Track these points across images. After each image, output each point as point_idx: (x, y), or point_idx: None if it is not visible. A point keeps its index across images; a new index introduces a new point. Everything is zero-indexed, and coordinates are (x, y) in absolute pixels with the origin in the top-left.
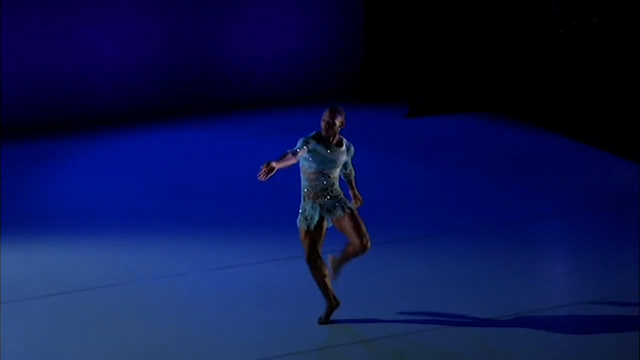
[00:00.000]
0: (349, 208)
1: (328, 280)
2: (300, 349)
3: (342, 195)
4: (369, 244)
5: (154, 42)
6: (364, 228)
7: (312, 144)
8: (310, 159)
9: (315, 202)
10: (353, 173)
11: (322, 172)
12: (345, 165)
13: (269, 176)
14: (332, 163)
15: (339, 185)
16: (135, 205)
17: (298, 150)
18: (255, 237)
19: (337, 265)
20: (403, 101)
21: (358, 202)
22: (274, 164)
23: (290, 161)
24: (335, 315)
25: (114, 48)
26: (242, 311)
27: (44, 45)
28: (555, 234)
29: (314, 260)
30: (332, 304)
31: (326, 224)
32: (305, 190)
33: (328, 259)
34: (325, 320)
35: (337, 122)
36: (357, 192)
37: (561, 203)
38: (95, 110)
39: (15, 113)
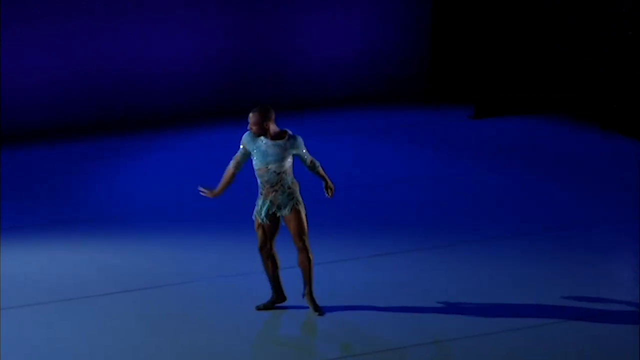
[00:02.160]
0: (297, 209)
1: (277, 275)
2: (373, 349)
3: (295, 195)
4: (307, 242)
5: (216, 39)
6: (306, 230)
7: (247, 142)
8: (254, 156)
9: (266, 198)
10: (317, 163)
11: (267, 168)
12: (301, 159)
13: (209, 195)
14: (273, 157)
15: (293, 182)
16: (198, 205)
17: (232, 162)
18: (321, 238)
19: (309, 294)
20: (469, 102)
21: (329, 192)
22: (209, 192)
23: (230, 175)
24: (406, 315)
25: (175, 46)
26: (310, 311)
27: (101, 44)
28: (618, 240)
29: (265, 251)
30: (277, 297)
31: (280, 220)
32: (260, 187)
33: (306, 301)
34: (263, 307)
35: (259, 123)
36: (329, 183)
37: (626, 210)
38: (157, 108)
39: (72, 111)
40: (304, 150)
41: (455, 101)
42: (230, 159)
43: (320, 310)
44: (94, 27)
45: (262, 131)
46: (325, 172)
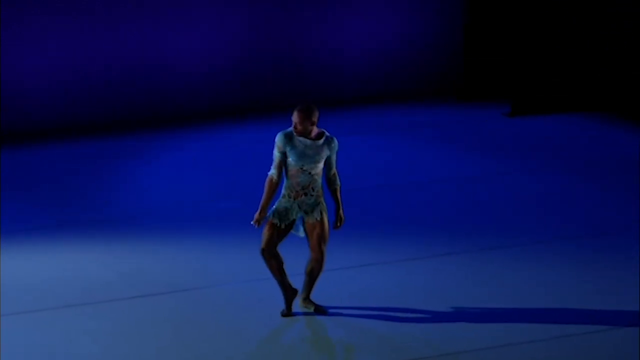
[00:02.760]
0: (323, 215)
1: (283, 270)
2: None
3: (322, 199)
4: (324, 250)
5: (239, 36)
6: (327, 238)
7: (285, 142)
8: (289, 155)
9: (294, 201)
10: (338, 182)
11: (302, 169)
12: (328, 164)
13: (262, 222)
14: (312, 158)
15: (321, 186)
16: (221, 205)
17: (275, 171)
18: (348, 240)
19: (307, 298)
20: (506, 99)
21: (339, 223)
22: (257, 216)
23: (272, 188)
24: (437, 323)
25: (196, 43)
26: (338, 316)
27: (103, 42)
28: None
29: (268, 252)
30: (289, 293)
31: (296, 230)
32: (287, 188)
33: (299, 305)
34: (288, 312)
35: (306, 122)
36: (341, 211)
37: None
38: (177, 106)
39: (91, 111)
40: (334, 157)
41: (489, 98)
42: (248, 159)
43: (324, 309)
44: (98, 25)
45: (306, 131)
46: (341, 198)
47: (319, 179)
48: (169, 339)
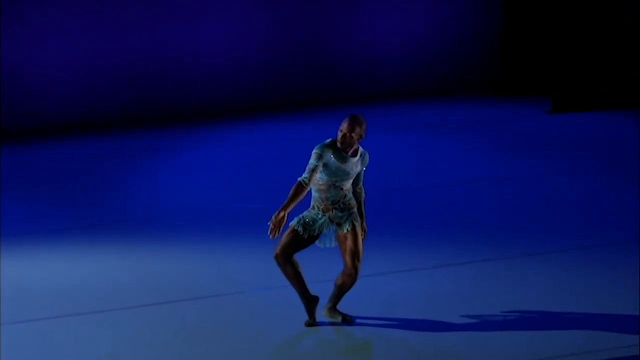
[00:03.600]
0: (355, 225)
1: (301, 277)
2: None
3: (354, 209)
4: (359, 266)
5: (263, 30)
6: (361, 251)
7: (327, 156)
8: (322, 170)
9: (324, 214)
10: (363, 195)
11: (334, 184)
12: (357, 178)
13: (282, 227)
14: (346, 175)
15: (352, 198)
16: (244, 207)
17: (308, 176)
18: (378, 246)
19: (334, 308)
20: (546, 95)
21: (362, 235)
22: (282, 212)
23: (301, 195)
24: (470, 334)
25: (219, 39)
26: (365, 326)
27: (136, 38)
28: None
29: (283, 257)
30: (309, 301)
31: (322, 243)
32: (315, 200)
33: (324, 315)
34: (312, 321)
35: (355, 134)
36: (364, 223)
37: None
38: (198, 103)
39: (105, 106)
40: (364, 171)
41: (530, 94)
42: (273, 158)
43: (351, 318)
44: (107, 22)
45: (352, 144)
46: (365, 210)
47: (349, 192)
48: (185, 349)
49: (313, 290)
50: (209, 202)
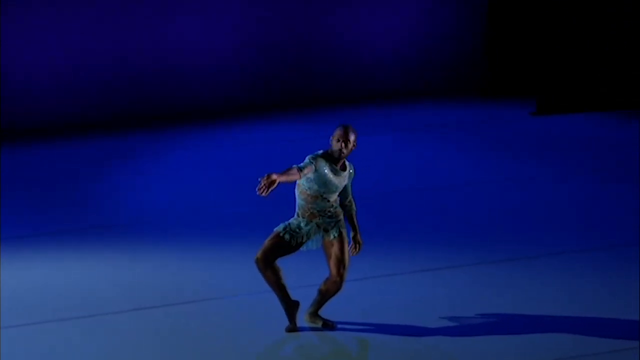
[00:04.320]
0: (342, 232)
1: (282, 283)
2: None
3: (341, 217)
4: (345, 274)
5: (250, 31)
6: (347, 259)
7: (321, 165)
8: (313, 179)
9: (310, 221)
10: (354, 207)
11: (322, 196)
12: (344, 191)
13: (270, 190)
14: (335, 187)
15: (340, 209)
16: (226, 211)
17: (304, 167)
18: (365, 249)
19: (315, 313)
20: (530, 97)
21: (357, 247)
22: (275, 176)
23: (294, 176)
24: (459, 339)
25: (206, 38)
26: (347, 332)
27: (125, 39)
28: None
29: (264, 262)
30: (290, 307)
31: (306, 246)
32: (301, 208)
33: (305, 320)
34: (293, 327)
35: (352, 140)
36: (358, 236)
37: None
38: (183, 104)
39: (91, 110)
40: (351, 184)
41: (515, 96)
42: (259, 160)
43: (332, 324)
44: (102, 21)
45: (346, 155)
46: (358, 223)
47: (336, 203)
48: (166, 355)
49: (295, 295)
50: (193, 206)
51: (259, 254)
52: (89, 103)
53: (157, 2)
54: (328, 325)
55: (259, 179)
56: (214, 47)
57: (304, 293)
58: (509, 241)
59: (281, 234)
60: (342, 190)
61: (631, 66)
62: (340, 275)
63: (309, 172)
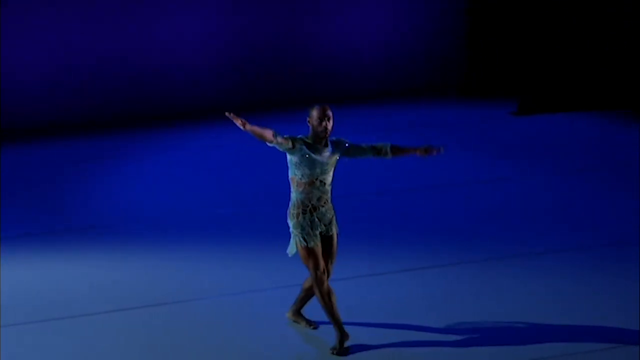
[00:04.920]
0: (334, 231)
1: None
2: None
3: (334, 212)
4: (332, 270)
5: (235, 30)
6: (336, 253)
7: (300, 146)
8: (300, 163)
9: (312, 215)
10: (388, 144)
11: (317, 179)
12: (360, 150)
13: (237, 121)
14: (325, 165)
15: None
16: (210, 212)
17: (281, 135)
18: (343, 251)
19: (298, 312)
20: (512, 97)
21: (433, 151)
22: (249, 126)
23: (266, 134)
24: (437, 339)
25: (188, 40)
26: (324, 331)
27: (114, 38)
28: None
29: (322, 282)
30: (344, 334)
31: (291, 250)
32: (298, 205)
33: (287, 317)
34: (339, 351)
35: (331, 116)
36: (420, 147)
37: None
38: (165, 105)
39: (64, 109)
40: (354, 144)
41: (496, 96)
42: (241, 161)
43: (314, 323)
44: (95, 21)
45: (328, 134)
46: (403, 146)
47: (330, 192)
48: (143, 356)
49: (278, 294)
50: (171, 208)
51: (313, 278)
52: (73, 104)
53: (135, 2)
54: (310, 325)
55: (228, 114)
56: (195, 48)
57: (289, 292)
58: (488, 241)
59: (301, 245)
60: (367, 150)
61: (612, 66)
62: (328, 271)
63: (282, 143)
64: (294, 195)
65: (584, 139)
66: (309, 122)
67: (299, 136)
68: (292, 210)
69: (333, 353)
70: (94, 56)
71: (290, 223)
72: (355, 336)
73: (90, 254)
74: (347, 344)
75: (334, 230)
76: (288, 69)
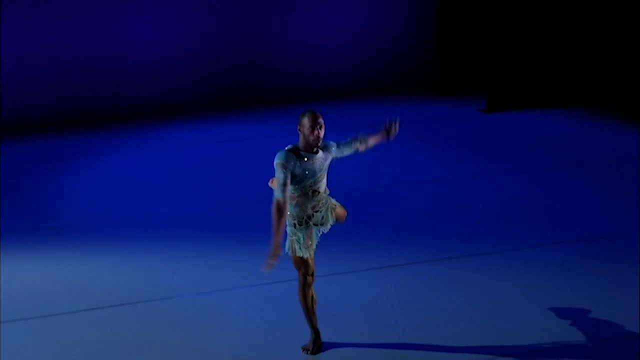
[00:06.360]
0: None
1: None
2: None
3: (330, 200)
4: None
5: (201, 28)
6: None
7: (291, 165)
8: (294, 178)
9: (308, 224)
10: (365, 137)
11: (312, 190)
12: (345, 148)
13: (276, 259)
14: (319, 170)
15: (328, 198)
16: (175, 211)
17: (282, 194)
18: (322, 248)
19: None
20: (481, 94)
21: (390, 128)
22: (274, 252)
23: (285, 212)
24: (409, 336)
25: (152, 37)
26: (296, 329)
27: (71, 35)
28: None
29: (309, 286)
30: (318, 337)
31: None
32: (294, 217)
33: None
34: (314, 350)
35: (323, 123)
36: (385, 128)
37: None
38: (129, 103)
39: (33, 108)
40: (337, 145)
41: (466, 93)
42: (209, 159)
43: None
44: (65, 19)
45: (321, 142)
46: (373, 134)
47: (325, 194)
48: (115, 355)
49: (247, 293)
50: (141, 207)
51: (302, 283)
52: (31, 104)
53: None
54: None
55: (265, 265)
56: (162, 45)
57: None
58: (460, 238)
59: (300, 255)
60: (352, 143)
61: (578, 63)
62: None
63: (287, 183)
64: (289, 208)
65: (553, 135)
66: (299, 130)
67: (289, 147)
68: (290, 219)
69: (306, 352)
70: (41, 56)
71: (288, 229)
72: (328, 334)
73: (58, 254)
74: (319, 344)
75: (331, 221)
76: (258, 67)
